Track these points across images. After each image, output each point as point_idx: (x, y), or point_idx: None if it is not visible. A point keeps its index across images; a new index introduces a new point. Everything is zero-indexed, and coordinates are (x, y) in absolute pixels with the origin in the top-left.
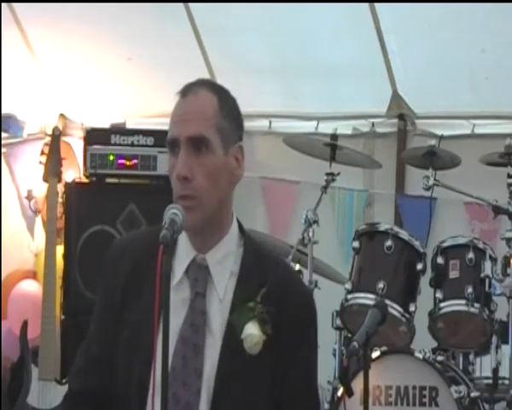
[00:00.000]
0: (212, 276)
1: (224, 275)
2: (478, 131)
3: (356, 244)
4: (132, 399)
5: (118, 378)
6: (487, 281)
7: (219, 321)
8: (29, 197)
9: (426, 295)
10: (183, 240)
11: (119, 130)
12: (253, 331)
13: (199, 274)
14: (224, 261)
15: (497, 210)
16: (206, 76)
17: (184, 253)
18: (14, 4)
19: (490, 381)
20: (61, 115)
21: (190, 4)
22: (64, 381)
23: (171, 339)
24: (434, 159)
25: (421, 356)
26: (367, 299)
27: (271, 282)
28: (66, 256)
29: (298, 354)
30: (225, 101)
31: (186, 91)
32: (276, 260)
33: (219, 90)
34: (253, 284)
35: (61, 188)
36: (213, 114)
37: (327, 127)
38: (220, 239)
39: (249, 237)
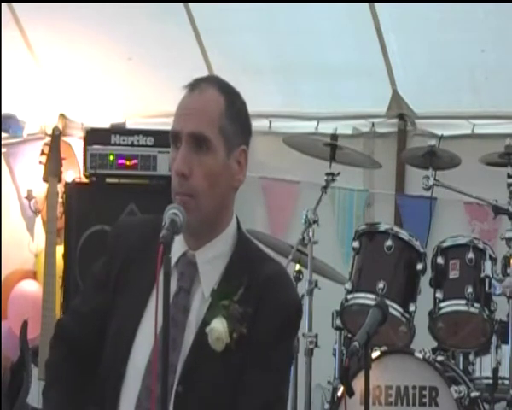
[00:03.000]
0: (200, 274)
1: (213, 275)
2: (478, 131)
3: (356, 244)
4: (108, 387)
5: (104, 361)
6: (487, 281)
7: (198, 319)
8: (29, 197)
9: (426, 295)
10: None
11: (119, 130)
12: (216, 326)
13: (186, 269)
14: (215, 262)
15: (497, 210)
16: None
17: (176, 246)
18: (14, 4)
19: (490, 381)
20: (61, 115)
21: (190, 4)
22: None
23: (153, 331)
24: (434, 159)
25: (421, 356)
26: (367, 299)
27: (253, 282)
28: (66, 256)
29: (263, 354)
30: (233, 103)
31: (194, 86)
32: (265, 260)
33: (228, 91)
34: (234, 284)
35: (61, 188)
36: (218, 116)
37: (327, 127)
38: (212, 239)
39: (243, 238)
